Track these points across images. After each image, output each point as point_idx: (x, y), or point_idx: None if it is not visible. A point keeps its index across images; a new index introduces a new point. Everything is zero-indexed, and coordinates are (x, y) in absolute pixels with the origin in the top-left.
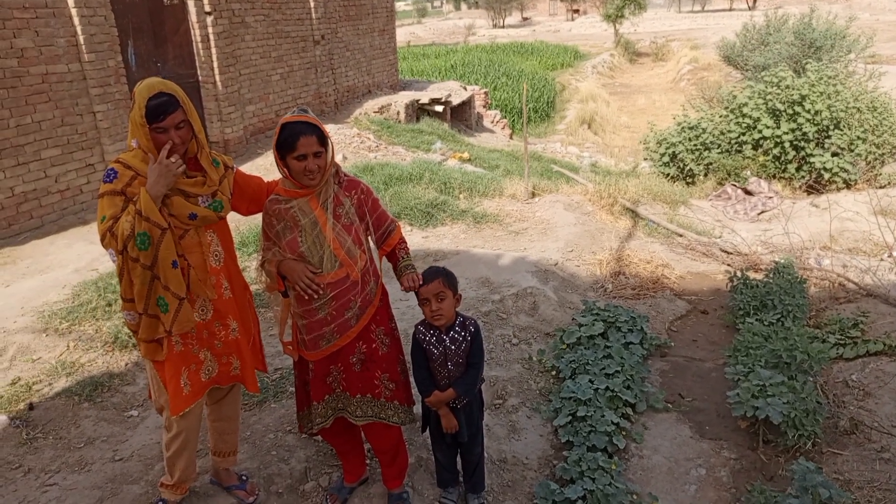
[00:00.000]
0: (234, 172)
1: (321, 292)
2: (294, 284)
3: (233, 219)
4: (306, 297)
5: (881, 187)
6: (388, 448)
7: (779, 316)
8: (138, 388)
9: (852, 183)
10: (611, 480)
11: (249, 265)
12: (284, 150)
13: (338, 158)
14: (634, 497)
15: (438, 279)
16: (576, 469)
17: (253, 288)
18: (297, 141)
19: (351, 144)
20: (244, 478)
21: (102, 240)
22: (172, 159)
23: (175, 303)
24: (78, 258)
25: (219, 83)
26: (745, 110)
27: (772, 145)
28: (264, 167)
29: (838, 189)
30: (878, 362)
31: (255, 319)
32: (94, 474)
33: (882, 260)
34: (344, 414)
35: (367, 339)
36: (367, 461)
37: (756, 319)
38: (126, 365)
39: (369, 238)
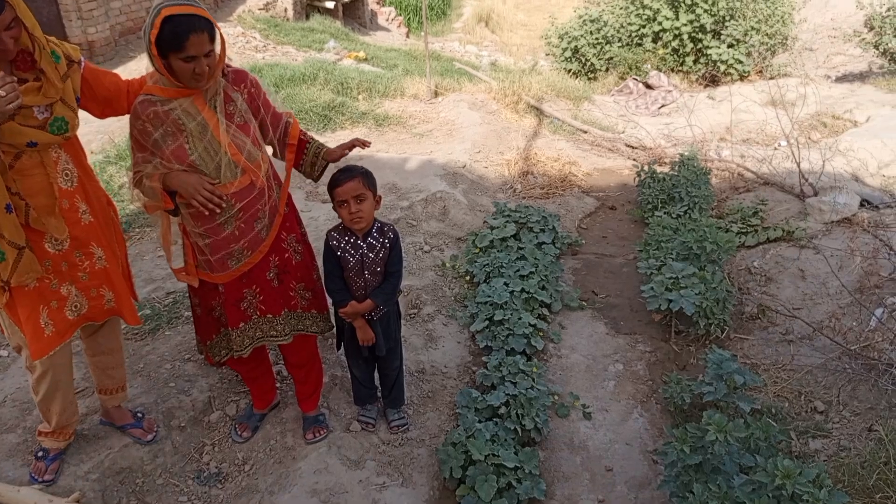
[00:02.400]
0: (81, 68)
1: (224, 205)
2: (190, 200)
3: (91, 122)
4: (206, 213)
5: (771, 78)
6: (304, 361)
7: (686, 208)
8: None
9: (745, 75)
10: (532, 384)
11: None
12: (167, 48)
13: None
14: (556, 398)
15: (357, 178)
16: (496, 374)
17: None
18: (186, 40)
19: (235, 45)
20: (140, 415)
21: None
22: (4, 86)
23: (12, 252)
24: None
25: None
26: (645, 2)
27: (671, 38)
28: (138, 72)
29: (733, 81)
30: (778, 248)
31: (121, 242)
32: None
33: (776, 149)
34: (263, 342)
35: (278, 250)
36: (278, 384)
37: (664, 213)
38: None
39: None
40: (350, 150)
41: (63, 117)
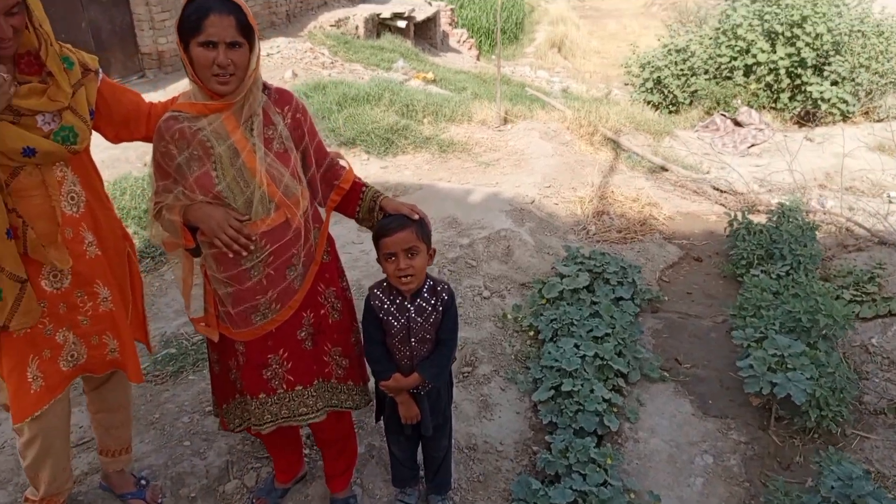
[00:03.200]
0: (98, 79)
1: (252, 247)
2: (212, 238)
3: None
4: (231, 256)
5: (879, 121)
6: (335, 439)
7: (788, 268)
8: None
9: (850, 115)
10: (605, 477)
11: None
12: (187, 32)
13: (287, 75)
14: (632, 496)
15: (410, 228)
16: (561, 462)
17: (137, 240)
18: (205, 19)
19: (303, 60)
20: (144, 482)
21: None
22: (2, 74)
23: (13, 288)
24: None
25: None
26: (738, 31)
27: (766, 72)
28: None
29: (834, 122)
30: None
31: (137, 280)
32: None
33: (890, 201)
34: (290, 422)
35: (314, 304)
36: (306, 450)
37: (762, 271)
38: None
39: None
40: (408, 211)
41: (72, 127)
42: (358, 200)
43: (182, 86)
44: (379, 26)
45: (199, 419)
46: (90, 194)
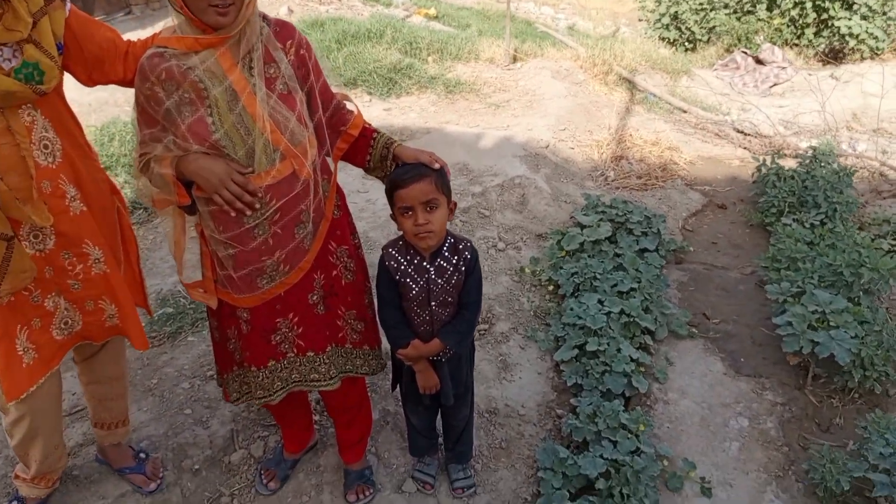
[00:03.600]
0: (66, 8)
1: (258, 203)
2: (212, 194)
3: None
4: (233, 214)
5: None
6: (349, 406)
7: (822, 216)
8: None
9: (879, 52)
10: (637, 444)
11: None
12: None
13: (282, 11)
14: (665, 463)
15: (428, 178)
16: (590, 428)
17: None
18: None
19: None
20: (143, 455)
21: None
22: None
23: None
24: None
25: None
26: None
27: (790, 5)
28: None
29: (862, 59)
30: None
31: (129, 238)
32: None
33: None
34: (301, 387)
35: (326, 265)
36: (316, 417)
37: (794, 220)
38: None
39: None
40: (427, 160)
41: (37, 63)
42: (369, 148)
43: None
44: None
45: (201, 384)
46: (67, 142)
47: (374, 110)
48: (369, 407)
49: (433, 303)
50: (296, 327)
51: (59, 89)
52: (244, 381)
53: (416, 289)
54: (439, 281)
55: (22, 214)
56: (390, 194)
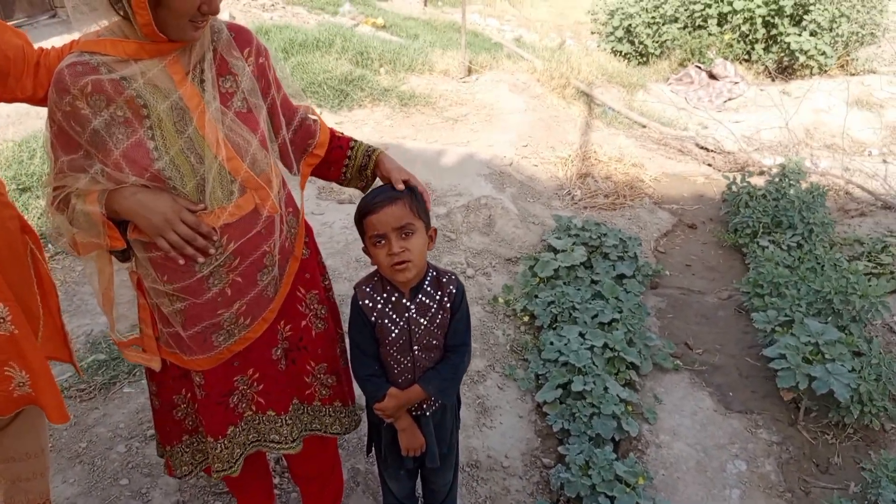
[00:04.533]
0: None
1: (213, 248)
2: (156, 238)
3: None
4: (181, 262)
5: (854, 74)
6: (317, 472)
7: (799, 238)
8: None
9: (827, 69)
10: (637, 500)
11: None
12: None
13: (223, 17)
14: None
15: (402, 200)
16: (584, 482)
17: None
18: None
19: (240, 1)
20: None
21: None
22: None
23: None
24: None
25: None
26: None
27: (741, 20)
28: None
29: (811, 75)
30: None
31: (48, 285)
32: None
33: (885, 160)
34: (259, 447)
35: (293, 314)
36: (276, 481)
37: (770, 241)
38: None
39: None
40: (406, 181)
41: None
42: (345, 159)
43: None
44: None
45: (139, 447)
46: None
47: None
48: (341, 470)
49: (415, 347)
50: (255, 384)
51: None
52: (198, 449)
53: (396, 331)
54: (422, 321)
55: None
56: (359, 223)
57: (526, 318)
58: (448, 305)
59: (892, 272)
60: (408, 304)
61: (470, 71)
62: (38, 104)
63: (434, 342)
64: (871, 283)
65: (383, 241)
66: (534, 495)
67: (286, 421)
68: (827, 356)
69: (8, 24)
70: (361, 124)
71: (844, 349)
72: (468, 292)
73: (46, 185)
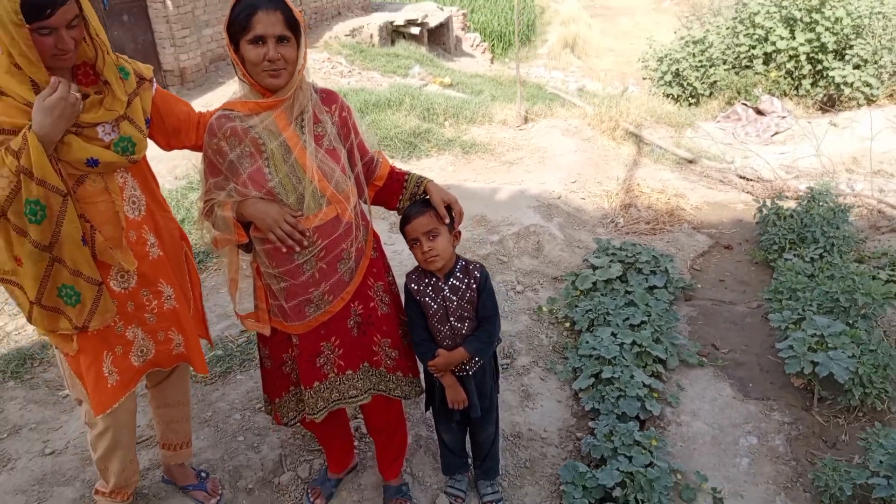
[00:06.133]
0: (153, 88)
1: (306, 242)
2: (268, 233)
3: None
4: (285, 251)
5: None
6: (385, 425)
7: (821, 250)
8: None
9: (874, 99)
10: (650, 459)
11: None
12: (236, 31)
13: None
14: (679, 477)
15: (428, 212)
16: (607, 446)
17: (193, 238)
18: (253, 16)
19: (321, 70)
20: (204, 475)
21: None
22: (73, 92)
23: (91, 291)
24: None
25: (169, 3)
26: (756, 20)
27: (786, 59)
28: (227, 97)
29: (859, 106)
30: None
31: (195, 279)
32: (18, 473)
33: None
34: (340, 404)
35: (363, 297)
36: (356, 442)
37: (795, 255)
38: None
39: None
40: (451, 207)
41: (129, 137)
42: (401, 190)
43: (204, 101)
44: (393, 34)
45: (251, 416)
46: (149, 198)
47: None
48: (405, 428)
49: (452, 318)
50: (337, 349)
51: (144, 155)
52: (299, 399)
53: (435, 306)
54: (454, 298)
55: (113, 259)
56: (402, 230)
57: (567, 325)
58: (475, 286)
59: None
60: (442, 285)
61: (526, 120)
62: (198, 150)
63: (466, 315)
64: (874, 283)
65: (417, 243)
66: (566, 459)
67: (358, 377)
68: (830, 345)
69: (175, 94)
70: (428, 171)
71: (847, 339)
72: (517, 304)
73: (199, 199)
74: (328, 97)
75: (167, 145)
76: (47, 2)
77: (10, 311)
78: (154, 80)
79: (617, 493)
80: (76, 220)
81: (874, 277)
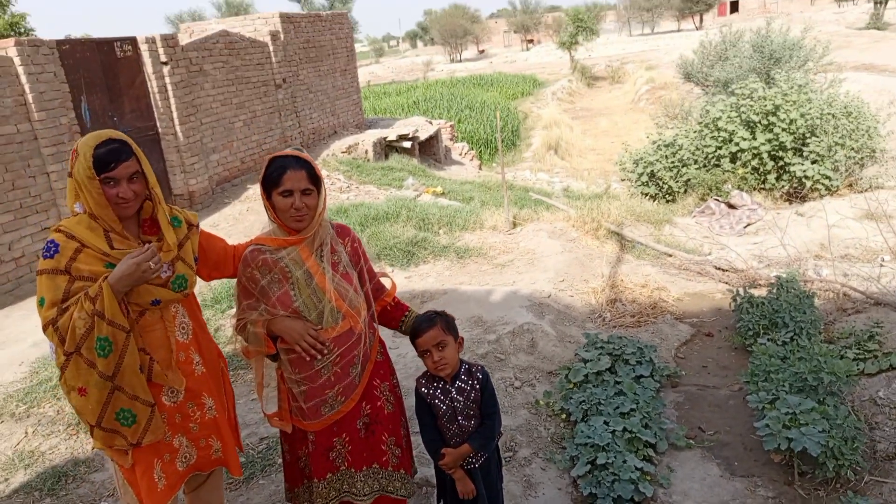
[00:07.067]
0: (198, 232)
1: (326, 350)
2: (293, 345)
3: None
4: (307, 359)
5: (862, 191)
6: None
7: (791, 334)
8: (107, 474)
9: (835, 189)
10: None
11: (223, 323)
12: (269, 185)
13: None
14: None
15: (436, 326)
16: None
17: (225, 351)
18: (283, 174)
19: None
20: None
21: (44, 330)
22: (155, 259)
23: (146, 411)
24: (36, 330)
25: (179, 134)
26: (719, 124)
27: (750, 157)
28: (232, 216)
29: (821, 196)
30: None
31: (230, 391)
32: None
33: (882, 265)
34: (348, 497)
35: (370, 397)
36: None
37: (768, 339)
38: (93, 449)
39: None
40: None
41: (183, 275)
42: (402, 317)
43: (211, 221)
44: (386, 148)
45: None
46: (195, 323)
47: (396, 279)
48: None
49: (459, 417)
50: (347, 444)
51: (192, 290)
52: (311, 490)
53: (444, 407)
54: (460, 398)
55: (165, 380)
56: (413, 342)
57: (563, 416)
58: (478, 387)
59: (876, 356)
60: (449, 388)
61: (514, 224)
62: (232, 278)
63: (471, 413)
64: (837, 363)
65: (428, 353)
66: None
67: (360, 477)
68: (802, 422)
69: (212, 233)
70: (426, 276)
71: (817, 416)
72: (516, 399)
73: (234, 317)
74: (342, 231)
75: (208, 276)
76: (112, 158)
77: (42, 433)
78: (199, 225)
79: None
80: (136, 352)
81: (842, 357)
